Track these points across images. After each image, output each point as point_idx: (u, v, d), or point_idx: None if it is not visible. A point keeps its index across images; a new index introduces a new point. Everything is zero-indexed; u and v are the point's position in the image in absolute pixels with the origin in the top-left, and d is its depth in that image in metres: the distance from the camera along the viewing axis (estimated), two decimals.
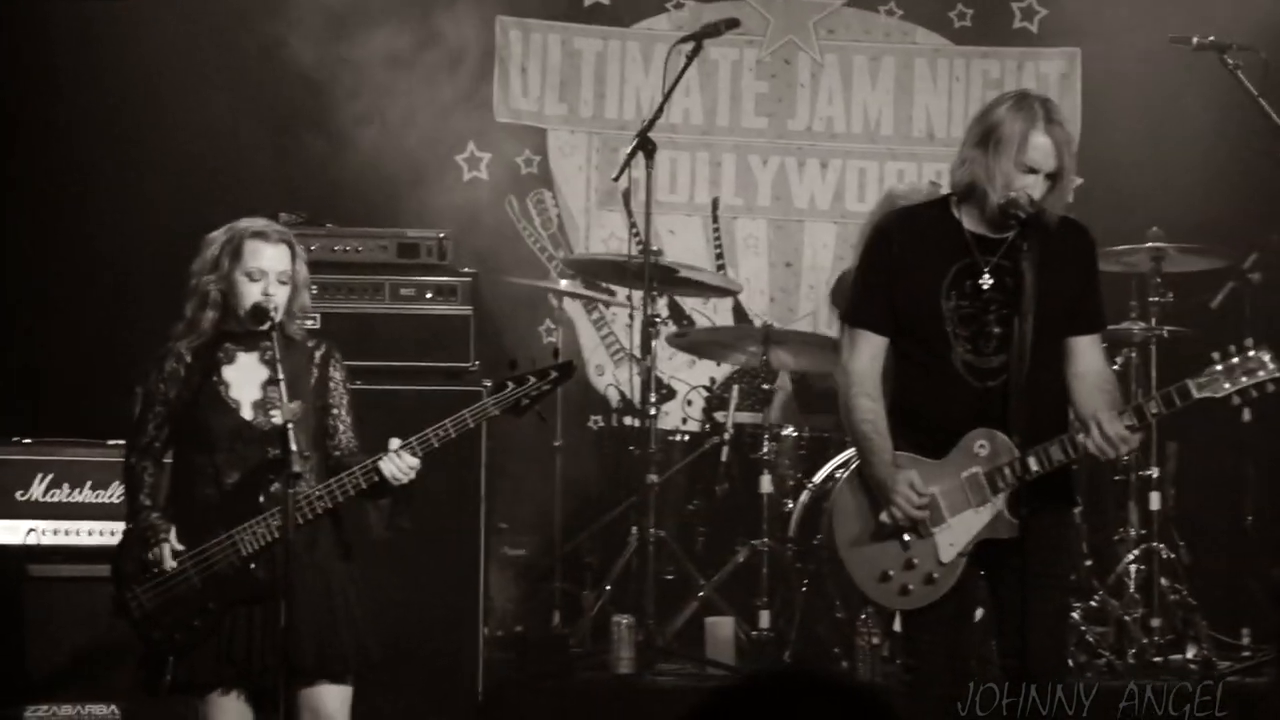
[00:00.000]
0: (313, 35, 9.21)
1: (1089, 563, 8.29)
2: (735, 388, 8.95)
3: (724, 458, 8.71)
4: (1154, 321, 8.38)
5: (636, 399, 8.49)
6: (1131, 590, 8.25)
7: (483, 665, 7.47)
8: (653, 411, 8.23)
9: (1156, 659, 8.03)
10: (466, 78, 9.70)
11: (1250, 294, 8.57)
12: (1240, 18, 8.89)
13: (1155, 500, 8.32)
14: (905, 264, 5.62)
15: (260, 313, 5.77)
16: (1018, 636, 5.45)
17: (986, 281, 5.56)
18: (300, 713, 5.76)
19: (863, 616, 7.69)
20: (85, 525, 7.29)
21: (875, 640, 7.69)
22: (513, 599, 8.60)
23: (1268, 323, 8.17)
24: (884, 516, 5.57)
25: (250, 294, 5.82)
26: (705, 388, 9.27)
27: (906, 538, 5.58)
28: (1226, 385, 5.51)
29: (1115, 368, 8.01)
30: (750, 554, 8.36)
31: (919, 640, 5.68)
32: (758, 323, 9.02)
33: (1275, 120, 8.04)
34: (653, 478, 8.19)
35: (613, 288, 9.30)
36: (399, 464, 5.73)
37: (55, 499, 7.31)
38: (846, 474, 5.86)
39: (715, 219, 9.96)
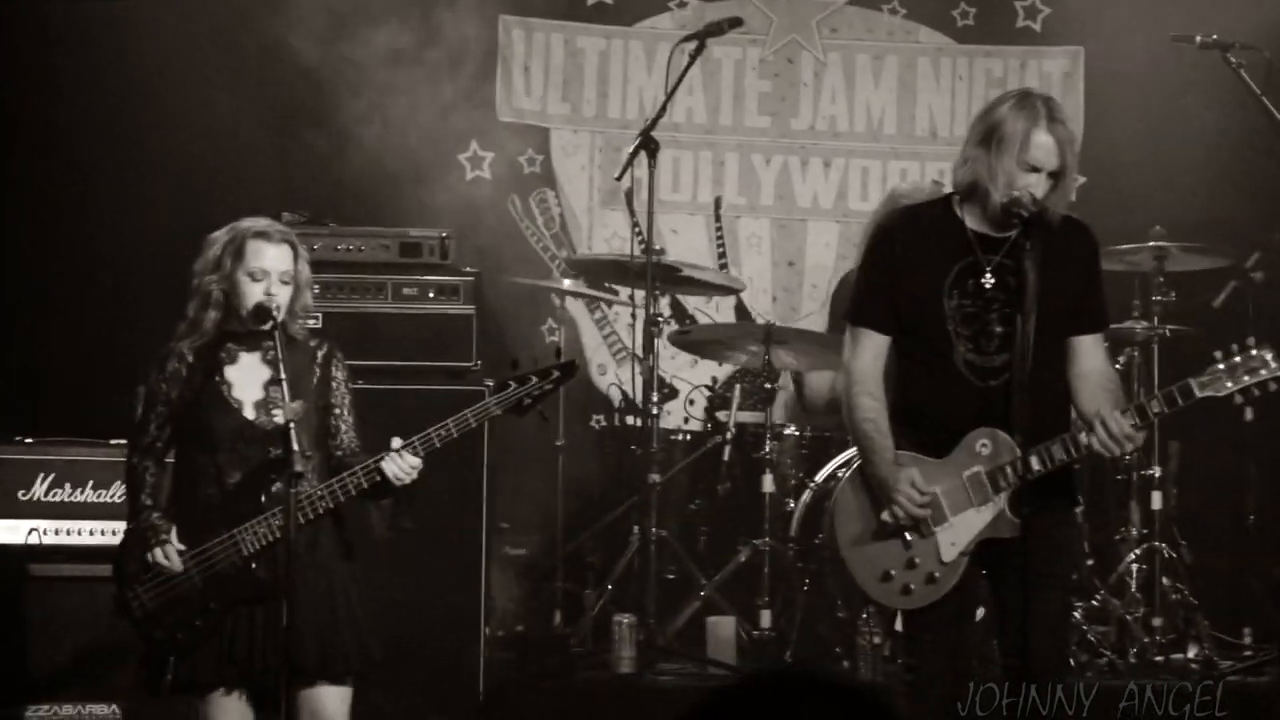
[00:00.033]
0: (314, 34, 9.20)
1: (1091, 562, 8.28)
2: (737, 387, 8.95)
3: (726, 457, 8.71)
4: (1156, 320, 8.37)
5: (639, 398, 8.49)
6: (1133, 589, 8.24)
7: (484, 665, 7.47)
8: (655, 411, 8.23)
9: (1158, 658, 8.02)
10: (469, 77, 9.70)
11: (1253, 293, 8.57)
12: (1243, 16, 8.88)
13: (1157, 499, 8.31)
14: (908, 263, 5.62)
15: (263, 312, 5.77)
16: (1019, 636, 5.45)
17: (989, 281, 5.56)
18: (300, 714, 5.75)
19: (864, 616, 7.68)
20: (87, 525, 7.29)
21: (877, 640, 7.68)
22: (514, 598, 8.59)
23: (1270, 321, 8.18)
24: (886, 515, 5.57)
25: (252, 294, 5.82)
26: (707, 387, 9.27)
27: (908, 537, 5.57)
28: (1229, 384, 5.51)
29: (1118, 367, 8.01)
30: (752, 553, 8.36)
31: (920, 640, 5.68)
32: (760, 322, 9.01)
33: (1278, 119, 8.03)
34: (655, 477, 8.19)
35: (615, 287, 9.29)
36: (401, 464, 5.72)
37: (57, 499, 7.31)
38: (848, 473, 5.85)
39: (718, 218, 9.95)
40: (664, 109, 8.30)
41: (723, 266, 9.82)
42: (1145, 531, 8.35)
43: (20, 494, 7.32)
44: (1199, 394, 5.51)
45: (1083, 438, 5.51)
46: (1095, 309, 5.72)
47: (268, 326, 5.76)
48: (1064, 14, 10.16)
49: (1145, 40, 9.54)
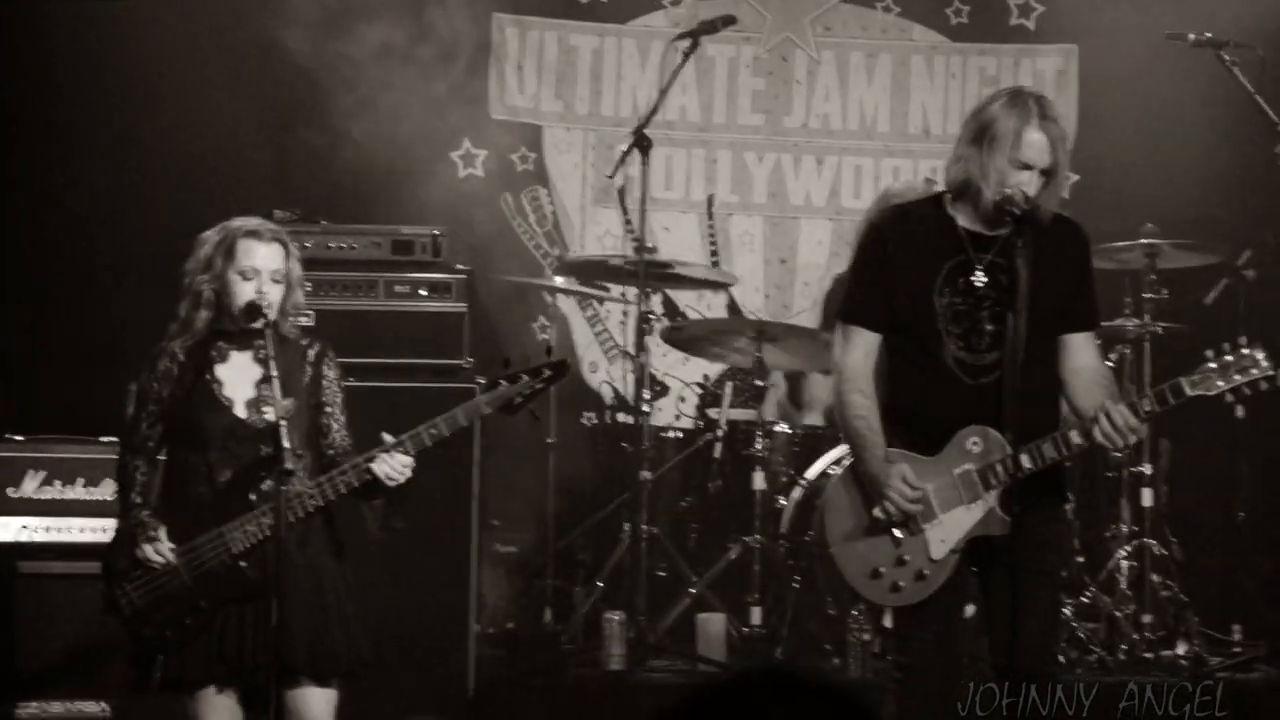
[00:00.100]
0: (308, 32, 9.20)
1: (1081, 559, 8.29)
2: (729, 384, 8.94)
3: (717, 454, 8.70)
4: (1148, 318, 8.37)
5: (630, 396, 8.49)
6: (1123, 586, 8.24)
7: (474, 662, 7.47)
8: (646, 408, 8.24)
9: (1148, 655, 8.03)
10: (462, 74, 9.69)
11: (1244, 291, 8.56)
12: (1237, 15, 8.89)
13: (1148, 497, 8.32)
14: (899, 261, 5.62)
15: (254, 311, 5.78)
16: (1009, 633, 5.45)
17: (980, 279, 5.57)
18: (286, 715, 5.75)
19: (854, 613, 7.69)
20: (77, 522, 7.29)
21: (866, 637, 7.69)
22: (505, 596, 8.60)
23: (1262, 319, 8.16)
24: (877, 511, 5.57)
25: (244, 293, 5.81)
26: (699, 384, 9.27)
27: (898, 534, 5.58)
28: (1220, 383, 5.51)
29: (1109, 364, 8.01)
30: (742, 551, 8.36)
31: (910, 637, 5.69)
32: (752, 319, 9.00)
33: (1271, 117, 8.05)
34: (645, 474, 8.20)
35: (607, 285, 9.29)
36: (393, 464, 5.73)
37: (47, 496, 7.31)
38: (839, 471, 5.85)
39: (710, 216, 9.93)
40: (657, 107, 8.31)
41: (715, 264, 9.79)
42: (1136, 528, 8.35)
43: (10, 491, 7.32)
44: (1190, 393, 5.51)
45: (1074, 436, 5.52)
46: (1087, 307, 5.73)
47: (259, 325, 5.76)
48: (1057, 12, 10.16)
49: (1139, 38, 9.54)
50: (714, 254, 9.80)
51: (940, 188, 5.80)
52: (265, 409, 5.78)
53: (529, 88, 10.12)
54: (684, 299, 9.85)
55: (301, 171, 9.29)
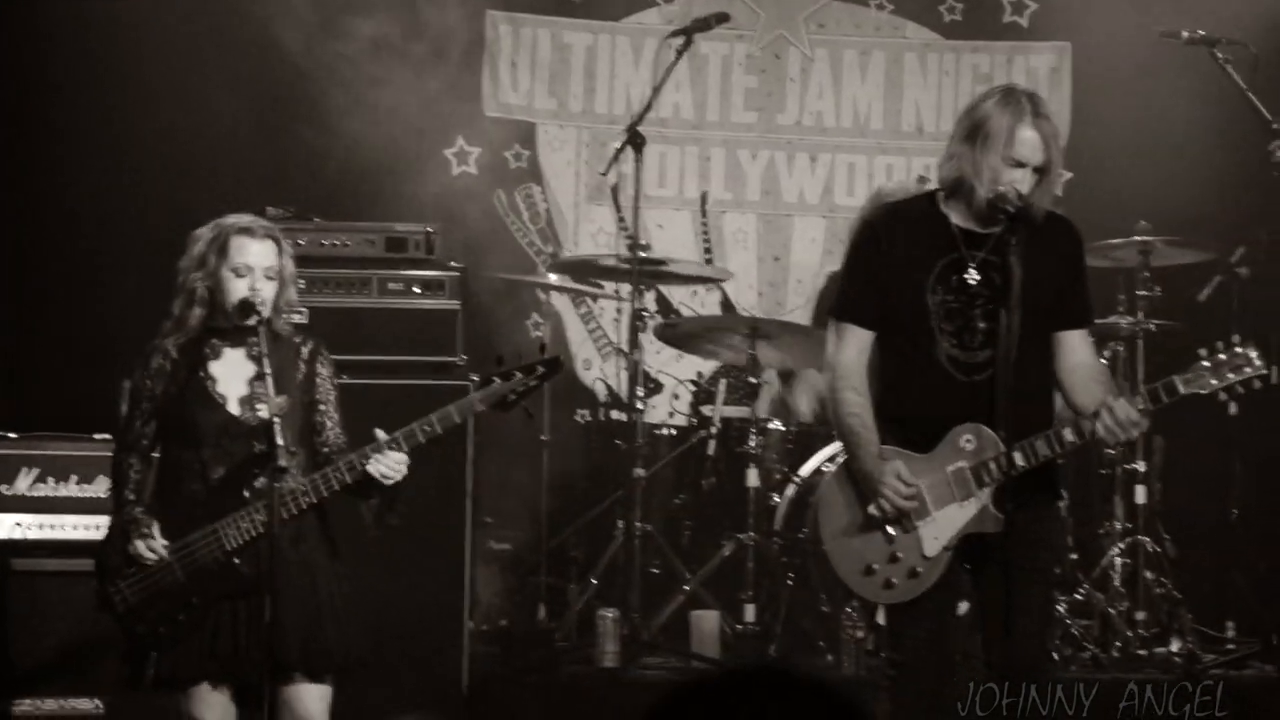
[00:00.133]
0: (302, 28, 9.20)
1: (1074, 556, 8.29)
2: (722, 382, 8.94)
3: (710, 452, 8.70)
4: (1141, 315, 8.38)
5: (624, 393, 8.49)
6: (1117, 584, 8.25)
7: (468, 659, 7.46)
8: (640, 406, 8.24)
9: (1141, 652, 8.03)
10: (455, 71, 9.69)
11: (1238, 288, 8.56)
12: (1230, 12, 8.90)
13: (1141, 494, 8.32)
14: (892, 259, 5.62)
15: (247, 308, 5.78)
16: (1001, 631, 5.46)
17: (973, 276, 5.57)
18: (280, 711, 5.75)
19: (848, 610, 7.69)
20: (70, 519, 7.28)
21: (860, 634, 7.70)
22: (498, 593, 8.60)
23: (1255, 317, 8.18)
24: (872, 509, 5.58)
25: (237, 290, 5.82)
26: (693, 382, 9.27)
27: (891, 531, 5.58)
28: (1213, 382, 5.52)
29: (1103, 361, 8.01)
30: (736, 548, 8.36)
31: (902, 634, 5.69)
32: (745, 316, 9.00)
33: (1264, 115, 8.05)
34: (639, 472, 8.19)
35: (600, 282, 9.30)
36: (388, 462, 5.73)
37: (40, 493, 7.30)
38: (833, 468, 5.86)
39: (704, 213, 9.95)
40: (651, 104, 8.31)
41: (708, 262, 9.81)
42: (1129, 525, 8.35)
43: (3, 488, 7.31)
44: (1183, 390, 5.52)
45: (1067, 433, 5.52)
46: (1081, 304, 5.73)
47: (252, 322, 5.77)
48: (1051, 9, 10.16)
49: (1132, 36, 9.55)
50: (708, 251, 9.81)
51: (933, 185, 5.81)
52: (258, 406, 5.78)
53: (522, 85, 10.12)
54: (677, 296, 9.85)
55: (295, 168, 9.29)
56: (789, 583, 8.20)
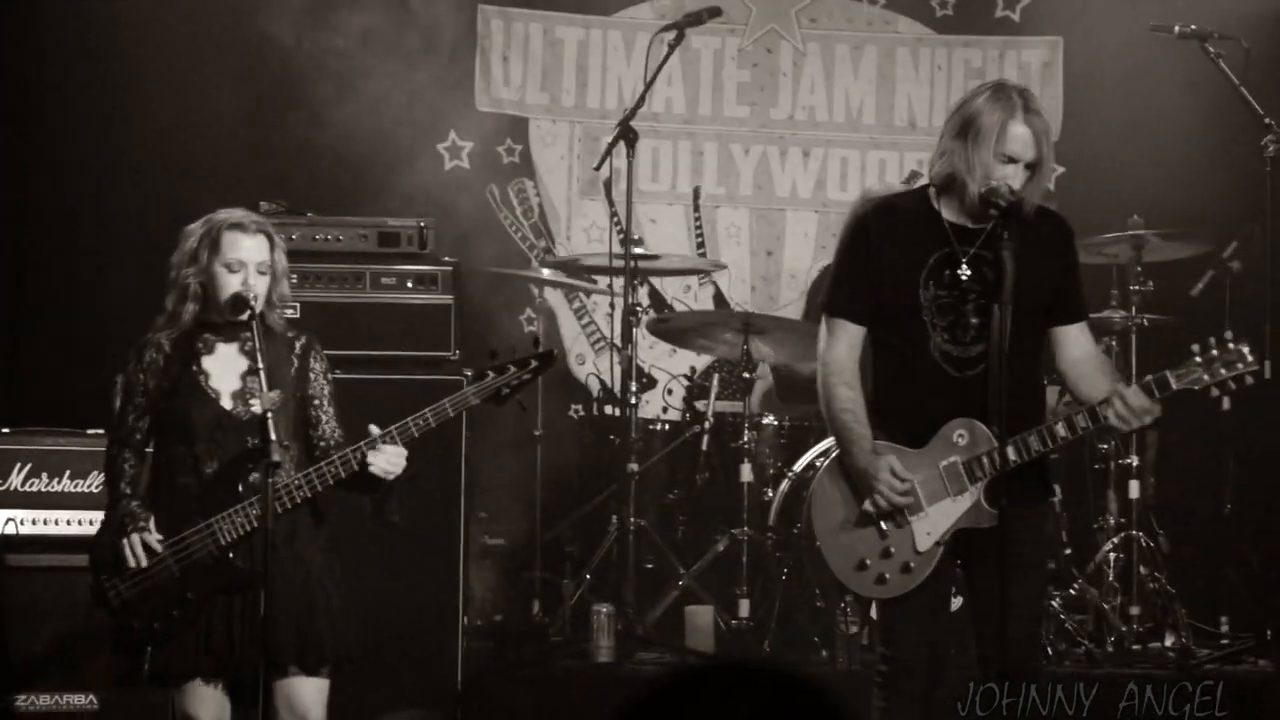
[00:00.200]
0: (294, 21, 9.19)
1: (1068, 551, 8.30)
2: (716, 376, 8.95)
3: (704, 447, 8.71)
4: (1134, 310, 8.39)
5: (617, 388, 8.49)
6: (1110, 578, 8.26)
7: (462, 654, 7.46)
8: (633, 400, 8.24)
9: (1135, 647, 8.05)
10: (448, 66, 9.69)
11: (1231, 283, 8.58)
12: (1221, 7, 8.90)
13: (1135, 489, 8.33)
14: (884, 254, 5.63)
15: (240, 303, 5.78)
16: (994, 626, 5.47)
17: (965, 271, 5.58)
18: (276, 705, 5.76)
19: (842, 605, 7.69)
20: (64, 515, 7.27)
21: (854, 629, 7.70)
22: (492, 588, 8.60)
23: (1247, 311, 8.18)
24: (867, 505, 5.58)
25: (230, 285, 5.82)
26: (686, 377, 9.28)
27: (884, 526, 5.58)
28: (1205, 377, 5.53)
29: None
30: (730, 543, 8.37)
31: (894, 629, 5.69)
32: (738, 310, 9.00)
33: (1256, 109, 8.07)
34: (633, 467, 8.20)
35: (594, 276, 9.30)
36: (387, 456, 5.73)
37: (34, 488, 7.29)
38: (826, 463, 5.86)
39: (697, 208, 9.95)
40: (643, 99, 8.32)
41: (701, 257, 9.82)
42: (1123, 520, 8.37)
43: None
44: (1175, 386, 5.53)
45: (1059, 428, 5.53)
46: (1076, 299, 5.74)
47: (245, 317, 5.76)
48: (1043, 4, 10.16)
49: (1124, 30, 9.56)
50: (700, 246, 9.82)
51: (925, 181, 5.81)
52: (251, 401, 5.78)
53: (514, 80, 10.11)
54: (671, 291, 9.86)
55: (287, 163, 9.29)
56: (783, 578, 8.21)
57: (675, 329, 8.94)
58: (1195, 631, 8.23)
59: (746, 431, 8.45)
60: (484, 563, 8.56)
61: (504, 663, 7.92)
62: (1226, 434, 8.64)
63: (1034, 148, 5.50)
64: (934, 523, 5.58)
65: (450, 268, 7.72)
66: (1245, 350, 5.53)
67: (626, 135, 8.07)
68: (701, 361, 9.38)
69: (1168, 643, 8.14)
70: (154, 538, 5.73)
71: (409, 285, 7.65)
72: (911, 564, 5.59)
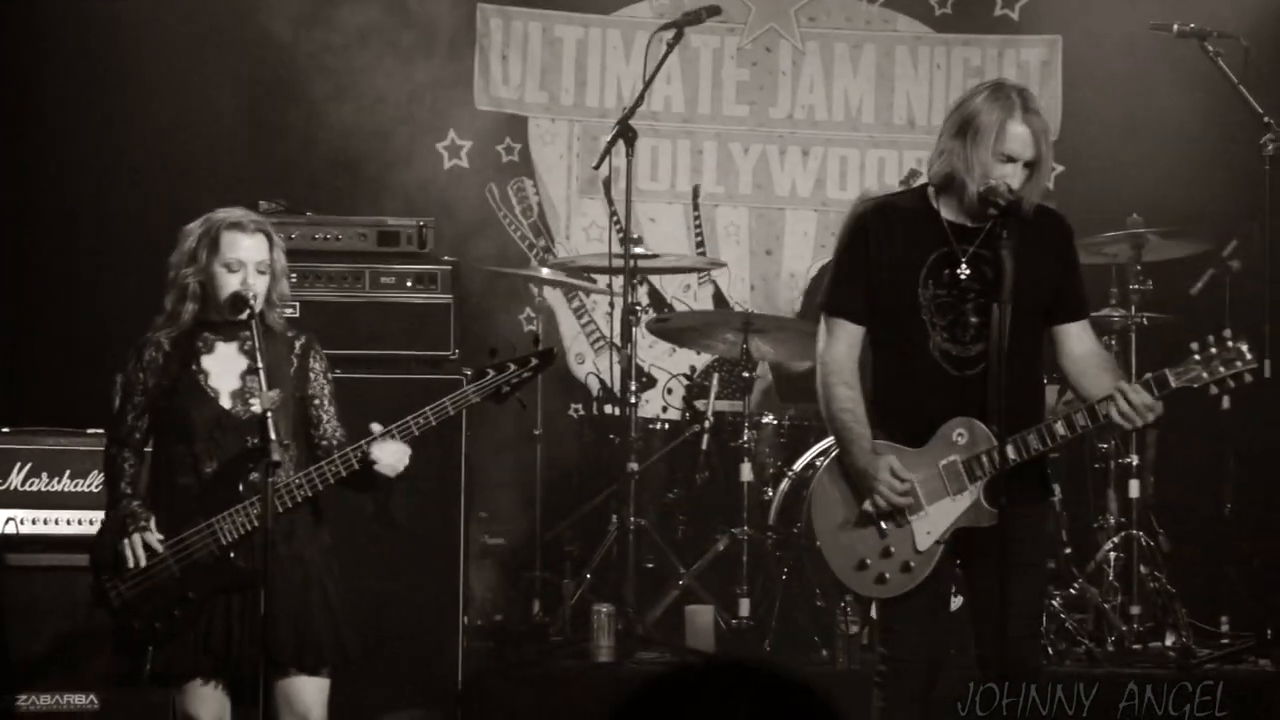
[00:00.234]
0: (294, 20, 9.19)
1: (1068, 550, 8.30)
2: (715, 376, 8.95)
3: (704, 446, 8.71)
4: (1134, 308, 8.38)
5: (617, 387, 8.49)
6: (1111, 578, 8.26)
7: (462, 654, 7.45)
8: (633, 400, 8.24)
9: (1136, 646, 8.05)
10: (447, 65, 9.69)
11: (1230, 281, 8.57)
12: (1220, 6, 8.90)
13: (1134, 488, 8.33)
14: (883, 253, 5.63)
15: (239, 302, 5.77)
16: (994, 625, 5.47)
17: (964, 271, 5.58)
18: (277, 704, 5.76)
19: (842, 604, 7.69)
20: (64, 514, 7.27)
21: (854, 628, 7.70)
22: (492, 587, 8.60)
23: (1247, 310, 8.18)
24: (866, 505, 5.58)
25: (229, 285, 5.81)
26: (686, 376, 9.27)
27: (884, 525, 5.58)
28: (1204, 375, 5.54)
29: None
30: (730, 542, 8.37)
31: (894, 629, 5.69)
32: (738, 310, 9.00)
33: (1255, 108, 8.07)
34: (633, 466, 8.20)
35: (593, 275, 9.30)
36: (390, 452, 5.74)
37: (34, 488, 7.29)
38: (826, 462, 5.86)
39: (696, 207, 9.95)
40: (642, 97, 8.33)
41: (700, 255, 9.82)
42: (1123, 520, 8.37)
43: None
44: (1174, 384, 5.53)
45: (1059, 427, 5.53)
46: (1076, 297, 5.74)
47: (245, 316, 5.76)
48: (1042, 3, 10.16)
49: (1123, 29, 9.56)
50: (700, 245, 9.82)
51: (924, 180, 5.81)
52: (251, 400, 5.78)
53: (514, 78, 10.11)
54: (670, 290, 9.86)
55: (287, 162, 9.29)
56: (783, 577, 8.21)
57: (675, 328, 8.94)
58: (1195, 631, 8.23)
59: (746, 431, 8.45)
60: (484, 562, 8.56)
61: (504, 663, 7.92)
62: (1226, 433, 8.64)
63: (1033, 147, 5.50)
64: (934, 522, 5.58)
65: (450, 267, 7.71)
66: (1244, 349, 5.54)
67: (626, 134, 8.08)
68: (701, 361, 9.38)
69: (1168, 642, 8.14)
70: (154, 537, 5.73)
71: (408, 284, 7.64)
72: (911, 563, 5.59)
